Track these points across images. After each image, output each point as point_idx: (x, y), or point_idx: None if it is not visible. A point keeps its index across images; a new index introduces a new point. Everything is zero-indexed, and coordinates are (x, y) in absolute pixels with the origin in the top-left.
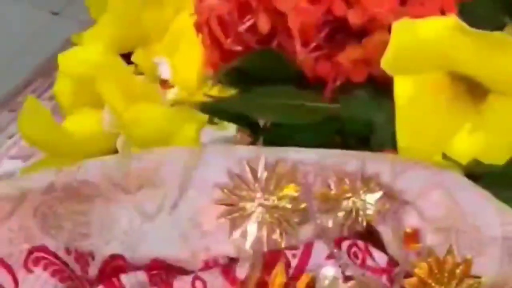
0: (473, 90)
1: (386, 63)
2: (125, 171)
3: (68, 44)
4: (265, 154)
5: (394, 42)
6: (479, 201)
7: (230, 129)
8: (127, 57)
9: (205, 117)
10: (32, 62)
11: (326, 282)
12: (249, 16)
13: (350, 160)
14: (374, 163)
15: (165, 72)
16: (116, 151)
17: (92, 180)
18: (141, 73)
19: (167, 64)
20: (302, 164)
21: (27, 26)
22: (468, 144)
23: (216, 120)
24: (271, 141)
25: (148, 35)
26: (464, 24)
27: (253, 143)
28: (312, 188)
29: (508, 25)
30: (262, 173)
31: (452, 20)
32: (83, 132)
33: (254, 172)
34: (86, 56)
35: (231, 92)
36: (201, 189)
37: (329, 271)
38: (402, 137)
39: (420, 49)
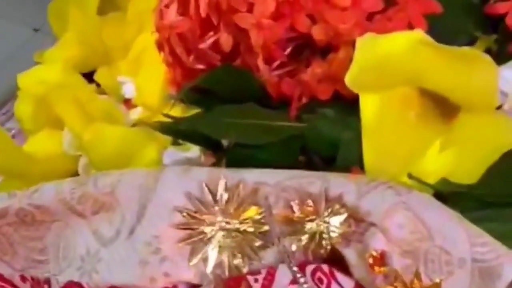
0: (443, 105)
1: (350, 80)
2: (81, 195)
3: None
4: (225, 176)
5: (358, 58)
6: (447, 222)
7: (194, 149)
8: (90, 76)
9: (168, 137)
10: (14, 78)
11: None
12: (211, 33)
13: (313, 181)
14: (338, 184)
15: (128, 92)
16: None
17: (47, 204)
18: (105, 93)
19: (130, 83)
20: (263, 185)
21: (8, 42)
22: (437, 162)
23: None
24: (234, 161)
25: (111, 53)
26: (430, 39)
27: (217, 163)
28: (274, 210)
29: (480, 39)
30: (222, 196)
31: (417, 34)
32: (45, 153)
33: (214, 195)
34: (45, 76)
35: (194, 111)
36: (160, 213)
37: None
38: (369, 156)
39: (385, 65)
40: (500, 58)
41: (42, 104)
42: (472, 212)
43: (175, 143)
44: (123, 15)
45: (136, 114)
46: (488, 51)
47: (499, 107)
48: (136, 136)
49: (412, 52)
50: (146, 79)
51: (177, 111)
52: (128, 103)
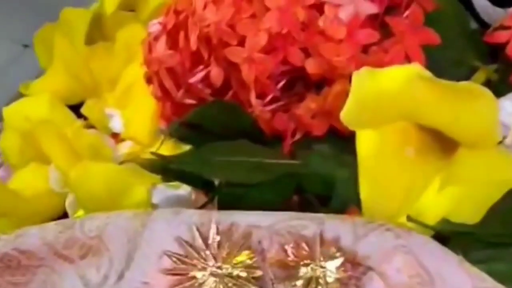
0: (442, 140)
1: (346, 117)
2: (67, 239)
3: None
4: (216, 219)
5: (354, 94)
6: (448, 266)
7: (184, 187)
8: (77, 108)
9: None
10: (3, 94)
11: None
12: (201, 67)
13: (308, 223)
14: (334, 226)
15: (116, 125)
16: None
17: (32, 249)
18: (92, 126)
19: (118, 116)
20: (256, 228)
21: None
22: (437, 201)
23: None
24: (226, 200)
25: (99, 85)
26: (428, 73)
27: (208, 202)
28: (267, 254)
29: (480, 69)
30: (213, 240)
31: (415, 69)
32: (31, 190)
33: (205, 238)
34: (31, 109)
35: (185, 147)
36: (149, 257)
37: None
38: (366, 195)
39: (382, 101)
40: (500, 88)
41: (28, 138)
42: (474, 252)
43: (165, 180)
44: (111, 45)
45: (125, 148)
46: (488, 81)
47: (501, 141)
48: (124, 174)
49: (409, 87)
50: (134, 113)
51: (168, 147)
52: (116, 136)
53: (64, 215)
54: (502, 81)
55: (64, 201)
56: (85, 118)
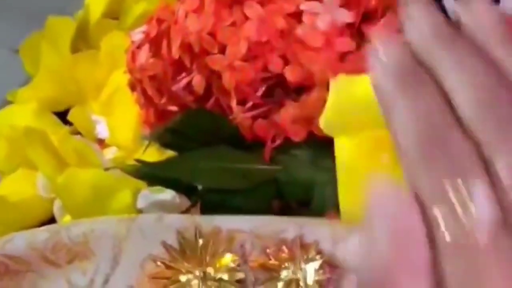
0: None
1: (323, 123)
2: (54, 244)
3: (29, 81)
4: (199, 223)
5: (331, 100)
6: None
7: (169, 191)
8: (63, 115)
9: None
10: None
11: None
12: (183, 75)
13: (288, 227)
14: (314, 229)
15: (102, 132)
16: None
17: (20, 254)
18: (78, 132)
19: (104, 123)
20: (238, 232)
21: None
22: None
23: None
24: (209, 206)
25: (84, 92)
26: None
27: (192, 206)
28: (249, 257)
29: None
30: (197, 244)
31: None
32: (19, 196)
33: (188, 242)
34: (18, 117)
35: (168, 152)
36: (134, 262)
37: None
38: (344, 199)
39: (358, 107)
40: None
41: (15, 145)
42: None
43: (150, 185)
44: (96, 53)
45: (110, 154)
46: None
47: None
48: (109, 180)
49: None
50: (119, 119)
51: (152, 152)
52: (102, 142)
53: (52, 220)
54: None
55: (52, 206)
56: (71, 125)
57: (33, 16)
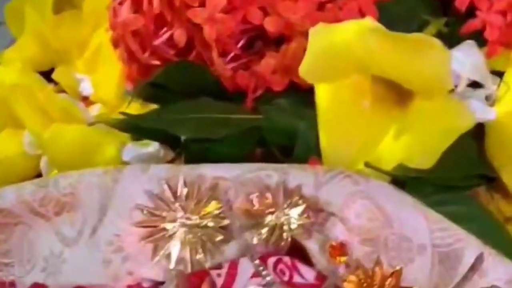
0: (397, 92)
1: (304, 70)
2: (42, 196)
3: None
4: (184, 172)
5: (311, 48)
6: (405, 209)
7: (153, 144)
8: (48, 74)
9: (127, 134)
10: None
11: None
12: (164, 29)
13: (271, 173)
14: (296, 175)
15: (86, 89)
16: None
17: (9, 207)
18: (63, 91)
19: (88, 80)
20: (222, 180)
21: None
22: (393, 148)
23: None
24: (193, 156)
25: (68, 51)
26: (380, 26)
27: (176, 158)
28: (234, 204)
29: (431, 22)
30: (181, 192)
31: (367, 22)
32: (6, 154)
33: (173, 191)
34: (3, 77)
35: (151, 107)
36: (120, 211)
37: None
38: (326, 145)
39: (337, 54)
40: (451, 40)
41: (1, 105)
42: (429, 196)
43: (134, 139)
44: (79, 13)
45: (94, 111)
46: (439, 34)
47: (452, 90)
48: (95, 134)
49: (362, 40)
50: (102, 76)
51: (135, 107)
52: (86, 100)
53: (39, 177)
54: (452, 33)
55: (39, 163)
56: (56, 84)
57: None
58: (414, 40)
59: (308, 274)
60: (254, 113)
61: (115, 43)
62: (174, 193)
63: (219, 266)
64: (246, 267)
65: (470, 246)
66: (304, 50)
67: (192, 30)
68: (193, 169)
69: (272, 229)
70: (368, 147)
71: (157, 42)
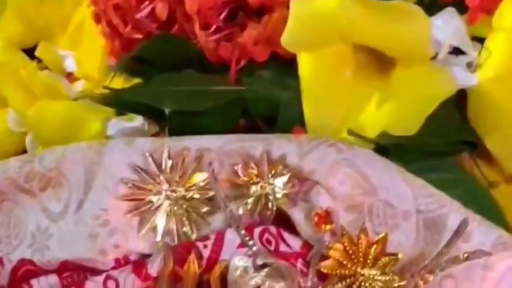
0: (379, 61)
1: (286, 40)
2: (27, 172)
3: None
4: (168, 145)
5: (292, 18)
6: (389, 176)
7: (137, 119)
8: (32, 51)
9: (111, 109)
10: None
11: (237, 272)
12: (146, 3)
13: (255, 144)
14: (280, 145)
15: (70, 65)
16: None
17: None
18: (47, 68)
19: (71, 56)
20: (207, 151)
21: None
22: (376, 116)
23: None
24: (177, 129)
25: (51, 28)
26: None
27: (160, 131)
28: (218, 175)
29: None
30: (166, 165)
31: None
32: None
33: (158, 164)
34: None
35: (135, 81)
36: (106, 185)
37: (239, 261)
38: (309, 114)
39: (318, 23)
40: (432, 8)
41: None
42: (413, 163)
43: (118, 114)
44: None
45: (79, 87)
46: (420, 1)
47: (434, 57)
48: (79, 110)
49: (344, 8)
50: (86, 52)
51: (118, 82)
52: (70, 76)
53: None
54: (433, 0)
55: (24, 140)
56: (39, 61)
57: None
58: (395, 8)
59: (294, 243)
60: (238, 84)
61: (97, 18)
62: (159, 166)
63: (205, 238)
64: (232, 237)
65: (455, 212)
66: (286, 20)
67: (174, 3)
68: (177, 141)
69: (257, 199)
70: (351, 115)
71: (139, 15)
